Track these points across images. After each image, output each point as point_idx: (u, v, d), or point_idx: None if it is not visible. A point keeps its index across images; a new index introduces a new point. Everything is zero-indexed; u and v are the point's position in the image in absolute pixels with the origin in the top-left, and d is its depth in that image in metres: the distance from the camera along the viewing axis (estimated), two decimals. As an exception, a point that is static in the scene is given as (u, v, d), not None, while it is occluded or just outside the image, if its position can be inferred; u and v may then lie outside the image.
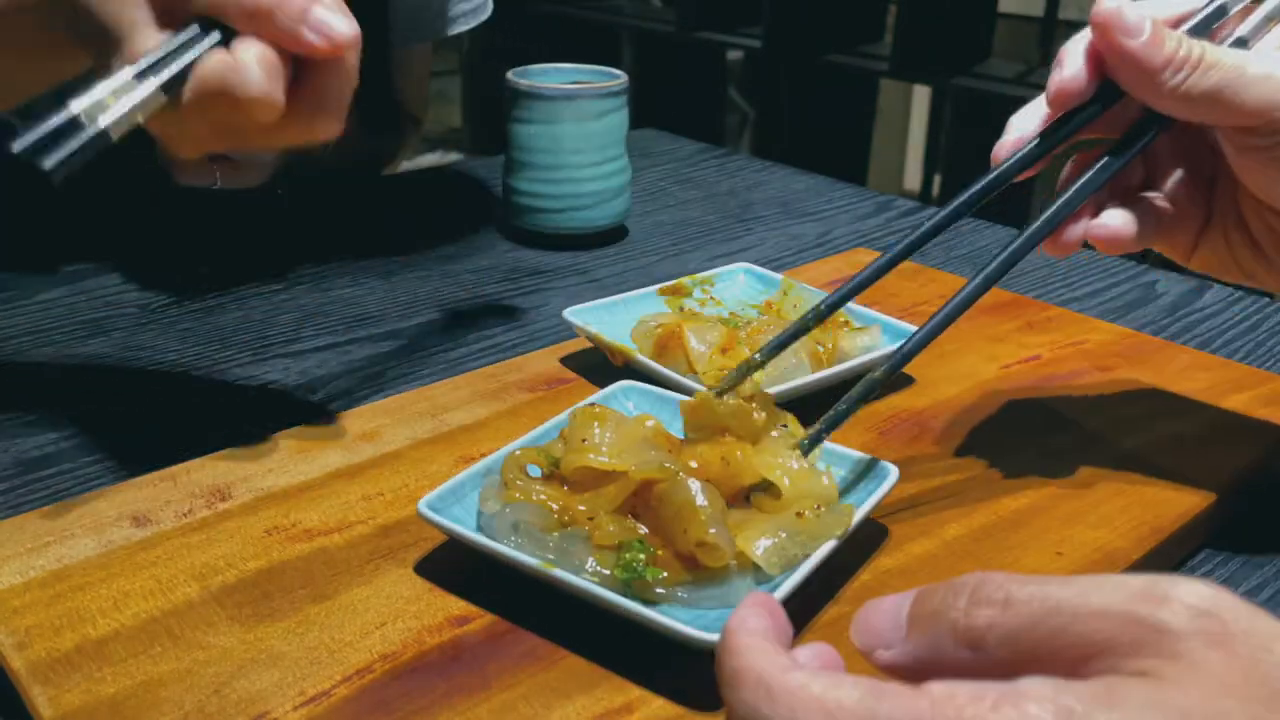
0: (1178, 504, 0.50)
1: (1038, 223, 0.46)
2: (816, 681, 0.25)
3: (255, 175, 0.79)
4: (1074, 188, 0.46)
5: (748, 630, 0.28)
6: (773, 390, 0.55)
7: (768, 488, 0.45)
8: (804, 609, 0.42)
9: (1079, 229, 0.47)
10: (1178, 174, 0.49)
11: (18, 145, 0.43)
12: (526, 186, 0.82)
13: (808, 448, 0.46)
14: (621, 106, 0.82)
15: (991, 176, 0.47)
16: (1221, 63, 0.42)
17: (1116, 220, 0.47)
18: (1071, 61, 0.45)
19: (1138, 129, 0.46)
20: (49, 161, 0.42)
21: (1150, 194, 0.49)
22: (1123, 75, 0.44)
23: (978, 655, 0.26)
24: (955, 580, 0.27)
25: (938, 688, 0.24)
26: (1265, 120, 0.42)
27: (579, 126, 0.80)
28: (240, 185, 0.79)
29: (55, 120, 0.42)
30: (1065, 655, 0.25)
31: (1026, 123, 0.47)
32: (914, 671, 0.27)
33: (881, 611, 0.28)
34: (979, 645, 0.26)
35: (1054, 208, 0.46)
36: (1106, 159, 0.46)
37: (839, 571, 0.45)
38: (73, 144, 0.42)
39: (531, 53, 1.05)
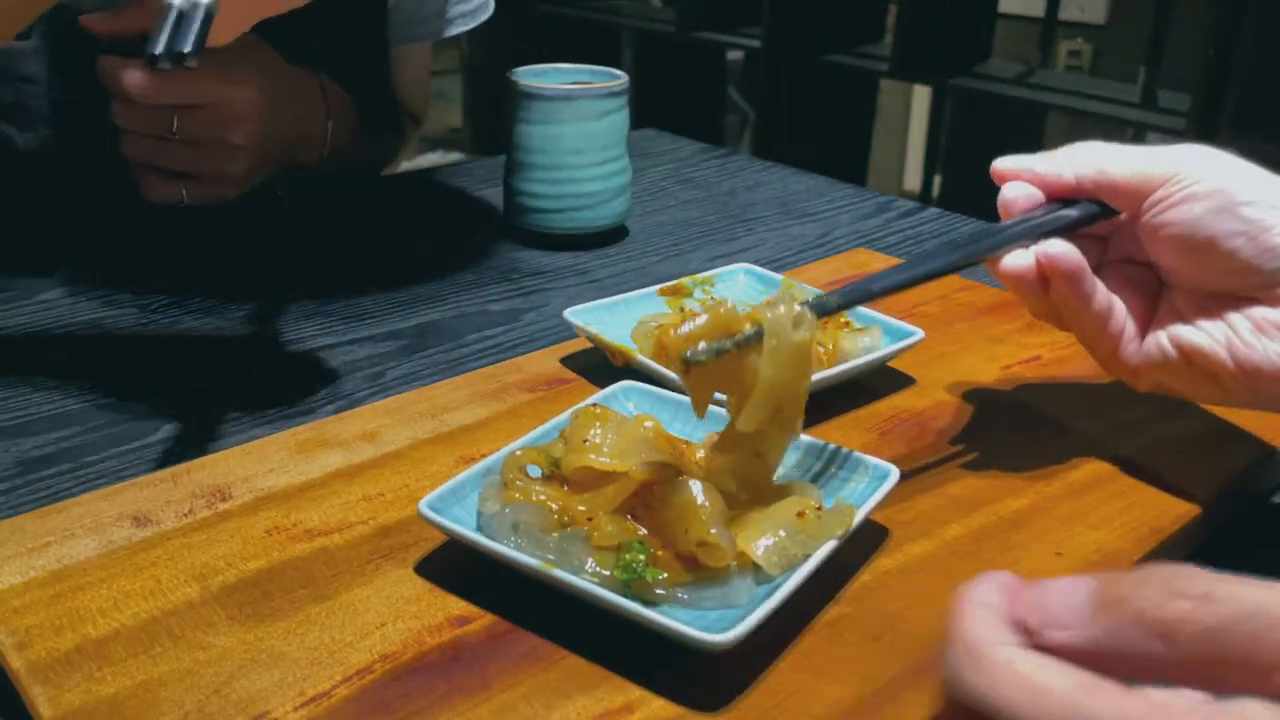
0: (1178, 505, 0.50)
1: (980, 244, 0.49)
2: (1026, 661, 0.25)
3: (221, 191, 0.78)
4: (1022, 223, 0.49)
5: (978, 601, 0.28)
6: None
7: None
8: (804, 609, 0.42)
9: (1026, 255, 0.49)
10: (1131, 269, 0.52)
11: (157, 48, 0.53)
12: (527, 186, 0.82)
13: (817, 309, 0.45)
14: (622, 107, 0.82)
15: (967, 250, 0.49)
16: (1095, 155, 0.49)
17: (1060, 248, 0.48)
18: (1010, 187, 0.51)
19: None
20: (187, 47, 0.52)
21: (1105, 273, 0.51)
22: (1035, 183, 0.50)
23: (1167, 649, 0.25)
24: (1145, 569, 0.26)
25: (1157, 693, 0.24)
26: (1139, 201, 0.48)
27: (579, 127, 0.80)
28: (207, 202, 0.78)
29: (170, 19, 0.52)
30: (1258, 660, 0.24)
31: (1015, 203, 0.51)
32: (1089, 656, 0.26)
33: (1058, 592, 0.28)
34: (1171, 639, 0.25)
35: (997, 236, 0.49)
36: (1058, 212, 0.50)
37: (839, 571, 0.45)
38: (195, 29, 0.52)
39: (531, 53, 1.04)
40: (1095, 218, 0.50)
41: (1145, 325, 0.51)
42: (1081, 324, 0.50)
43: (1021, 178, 0.51)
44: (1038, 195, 0.50)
